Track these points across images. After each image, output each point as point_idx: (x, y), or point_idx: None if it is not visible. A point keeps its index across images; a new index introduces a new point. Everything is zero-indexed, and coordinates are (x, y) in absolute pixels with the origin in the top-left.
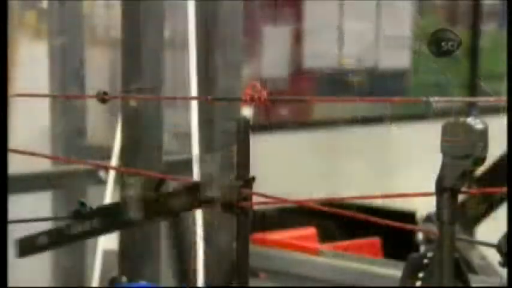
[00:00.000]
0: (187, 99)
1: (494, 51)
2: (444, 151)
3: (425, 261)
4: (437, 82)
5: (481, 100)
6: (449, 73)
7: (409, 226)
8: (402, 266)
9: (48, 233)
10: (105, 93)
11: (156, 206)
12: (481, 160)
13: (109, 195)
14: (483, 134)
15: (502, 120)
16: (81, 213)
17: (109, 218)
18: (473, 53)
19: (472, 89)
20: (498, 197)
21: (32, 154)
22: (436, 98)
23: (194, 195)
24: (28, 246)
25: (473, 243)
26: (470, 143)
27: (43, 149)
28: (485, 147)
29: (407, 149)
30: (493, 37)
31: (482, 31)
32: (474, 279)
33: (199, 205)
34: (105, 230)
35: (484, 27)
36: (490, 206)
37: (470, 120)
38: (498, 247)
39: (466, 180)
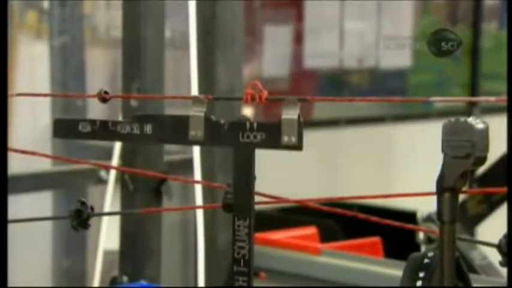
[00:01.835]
0: (187, 98)
1: (495, 51)
2: (445, 151)
3: (426, 261)
4: (438, 81)
5: (481, 100)
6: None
7: (409, 226)
8: (403, 266)
9: (91, 122)
10: (105, 92)
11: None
12: (482, 160)
13: (109, 195)
14: (483, 134)
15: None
16: (81, 212)
17: (163, 129)
18: (474, 52)
19: (473, 88)
20: (498, 197)
21: (32, 154)
22: (437, 98)
23: None
24: (65, 129)
25: (474, 242)
26: (471, 143)
27: (44, 149)
28: (485, 147)
29: (408, 148)
30: (493, 37)
31: (482, 30)
32: (475, 279)
33: None
34: (153, 139)
35: (484, 26)
36: (490, 206)
37: (470, 119)
38: (499, 247)
39: (467, 180)
